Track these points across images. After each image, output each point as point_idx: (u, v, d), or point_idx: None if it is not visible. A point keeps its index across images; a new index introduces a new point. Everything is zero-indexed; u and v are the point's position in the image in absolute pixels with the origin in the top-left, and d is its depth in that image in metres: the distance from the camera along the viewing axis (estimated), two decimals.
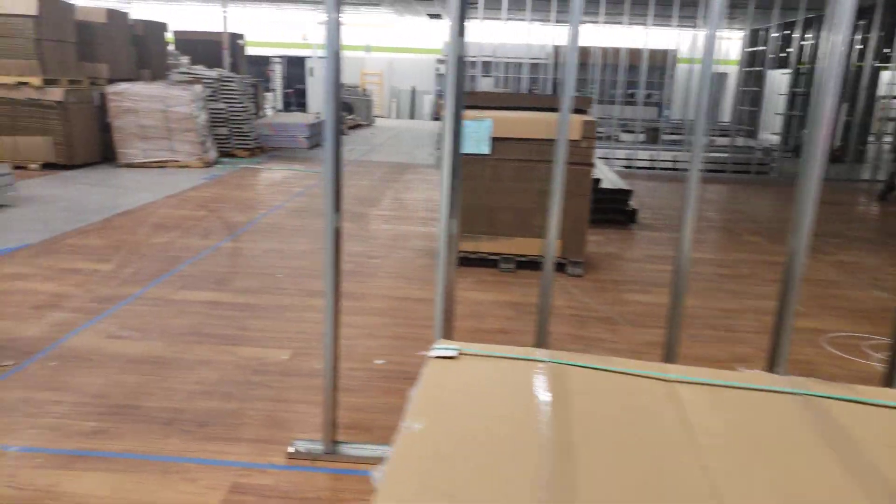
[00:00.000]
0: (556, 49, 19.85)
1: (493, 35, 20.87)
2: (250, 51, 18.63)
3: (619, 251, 6.20)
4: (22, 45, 8.99)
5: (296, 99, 24.38)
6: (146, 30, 11.55)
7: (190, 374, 3.28)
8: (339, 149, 2.48)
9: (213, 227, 6.37)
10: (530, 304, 4.52)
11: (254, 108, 12.24)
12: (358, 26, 25.22)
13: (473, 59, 23.72)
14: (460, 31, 2.28)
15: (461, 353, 1.28)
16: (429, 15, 22.75)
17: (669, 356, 2.56)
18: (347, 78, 25.24)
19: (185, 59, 13.88)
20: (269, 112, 18.45)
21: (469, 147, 5.05)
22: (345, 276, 5.01)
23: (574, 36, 2.56)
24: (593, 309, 4.53)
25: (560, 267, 5.33)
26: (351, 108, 20.77)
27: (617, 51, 17.02)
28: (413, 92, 25.85)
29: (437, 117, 25.22)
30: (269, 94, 22.73)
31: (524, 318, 4.27)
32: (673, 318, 2.55)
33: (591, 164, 5.14)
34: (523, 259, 5.30)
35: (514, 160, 5.10)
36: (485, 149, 5.05)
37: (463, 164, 5.33)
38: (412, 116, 25.95)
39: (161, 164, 9.95)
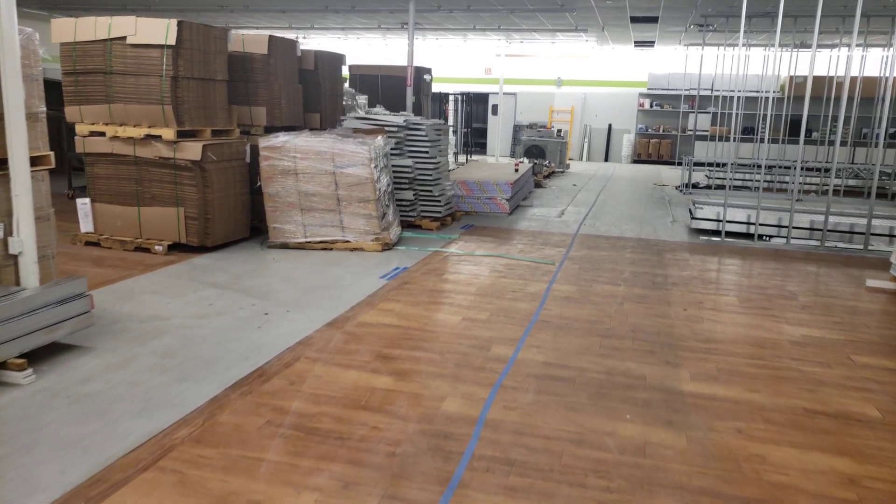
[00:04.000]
0: (792, 80, 15.46)
1: (710, 65, 16.81)
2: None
3: None
4: (154, 85, 6.58)
5: (474, 139, 21.67)
6: (318, 63, 9.00)
7: None
8: None
9: (416, 442, 3.16)
10: None
11: (446, 162, 9.27)
12: (549, 57, 22.13)
13: (687, 92, 19.73)
14: None
15: None
16: (636, 42, 19.11)
17: None
18: (536, 116, 22.23)
19: (361, 99, 11.35)
20: (450, 158, 15.54)
21: None
22: None
23: None
24: None
25: None
26: (543, 153, 17.59)
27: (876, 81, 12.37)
28: (609, 130, 22.21)
29: (637, 160, 21.40)
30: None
31: None
32: None
33: None
34: None
35: None
36: None
37: None
38: (607, 158, 22.29)
39: (326, 246, 7.14)
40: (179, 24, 6.46)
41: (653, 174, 17.62)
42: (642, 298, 5.73)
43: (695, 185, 14.04)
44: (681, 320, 5.16)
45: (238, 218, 7.25)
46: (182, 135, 6.73)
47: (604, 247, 7.91)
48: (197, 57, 6.75)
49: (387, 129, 8.33)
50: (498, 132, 20.90)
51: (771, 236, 8.63)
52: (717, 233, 8.77)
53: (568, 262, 7.04)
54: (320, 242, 7.15)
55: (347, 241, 7.14)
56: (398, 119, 8.49)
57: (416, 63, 13.74)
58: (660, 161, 21.23)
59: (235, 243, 7.26)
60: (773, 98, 14.47)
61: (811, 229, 8.54)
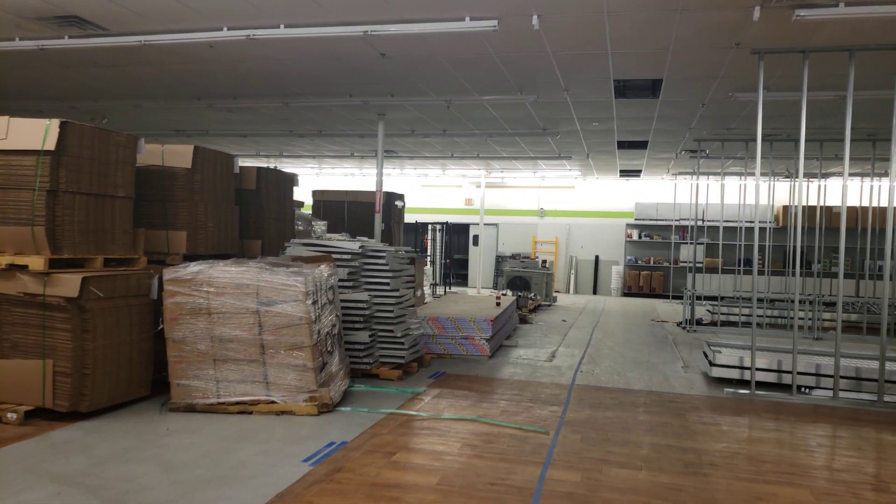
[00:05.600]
0: (785, 210, 14.56)
1: (702, 195, 15.85)
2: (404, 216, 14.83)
3: None
4: (25, 201, 5.10)
5: (455, 270, 20.35)
6: (261, 182, 7.67)
7: None
8: None
9: None
10: None
11: (412, 296, 7.72)
12: (531, 189, 21.36)
13: (677, 223, 18.76)
14: None
15: None
16: (621, 172, 18.38)
17: None
18: (519, 246, 21.12)
19: (320, 226, 9.99)
20: (426, 290, 13.98)
21: None
22: None
23: None
24: None
25: None
26: (528, 285, 16.18)
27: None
28: (596, 262, 21.04)
29: (628, 292, 20.06)
30: (425, 269, 18.70)
31: None
32: None
33: None
34: None
35: None
36: None
37: None
38: (595, 291, 20.95)
39: (244, 409, 5.39)
40: (63, 125, 5.08)
41: (648, 308, 16.18)
42: (677, 493, 3.98)
43: (698, 322, 12.54)
44: None
45: (133, 371, 5.52)
46: (62, 264, 5.18)
47: (609, 404, 6.21)
48: (87, 167, 5.33)
49: (339, 257, 6.85)
50: (479, 263, 19.68)
51: (810, 388, 7.00)
52: (741, 382, 7.14)
53: (565, 428, 5.32)
54: (237, 404, 5.40)
55: (273, 402, 5.40)
56: (353, 245, 7.03)
57: (393, 190, 12.63)
58: (652, 294, 19.89)
59: (127, 405, 5.49)
60: (770, 228, 13.40)
61: (858, 379, 6.95)
